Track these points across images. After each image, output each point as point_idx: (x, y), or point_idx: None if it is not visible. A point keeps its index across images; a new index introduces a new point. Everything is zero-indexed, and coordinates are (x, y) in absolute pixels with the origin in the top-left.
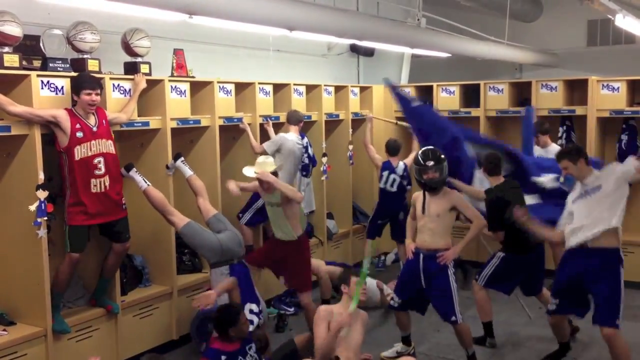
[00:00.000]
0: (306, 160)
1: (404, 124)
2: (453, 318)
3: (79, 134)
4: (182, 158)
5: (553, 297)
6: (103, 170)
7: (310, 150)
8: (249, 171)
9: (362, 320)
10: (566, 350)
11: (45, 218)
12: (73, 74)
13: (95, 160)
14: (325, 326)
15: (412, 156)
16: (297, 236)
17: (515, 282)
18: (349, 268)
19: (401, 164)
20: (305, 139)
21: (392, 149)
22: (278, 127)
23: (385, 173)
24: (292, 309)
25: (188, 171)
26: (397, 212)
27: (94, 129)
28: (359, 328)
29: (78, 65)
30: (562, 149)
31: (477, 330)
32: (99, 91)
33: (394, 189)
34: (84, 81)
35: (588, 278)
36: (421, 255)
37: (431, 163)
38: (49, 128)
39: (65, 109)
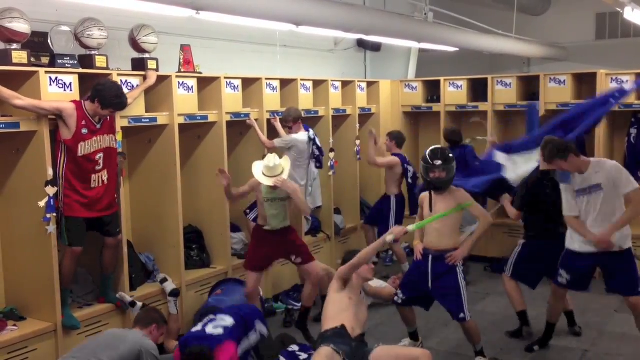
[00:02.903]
0: (316, 152)
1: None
2: (461, 315)
3: (84, 131)
4: (176, 299)
5: (565, 270)
6: (102, 165)
7: (317, 141)
8: (261, 176)
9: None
10: (552, 332)
11: (55, 214)
12: (81, 70)
13: (97, 157)
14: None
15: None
16: (289, 222)
17: (540, 271)
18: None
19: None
20: (311, 131)
21: (402, 141)
22: None
23: (406, 166)
24: (299, 304)
25: (174, 309)
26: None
27: (98, 126)
28: (365, 307)
29: (86, 61)
30: (550, 149)
31: (483, 324)
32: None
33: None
34: (116, 104)
35: (604, 269)
36: (430, 257)
37: (439, 162)
38: (56, 123)
39: (74, 101)
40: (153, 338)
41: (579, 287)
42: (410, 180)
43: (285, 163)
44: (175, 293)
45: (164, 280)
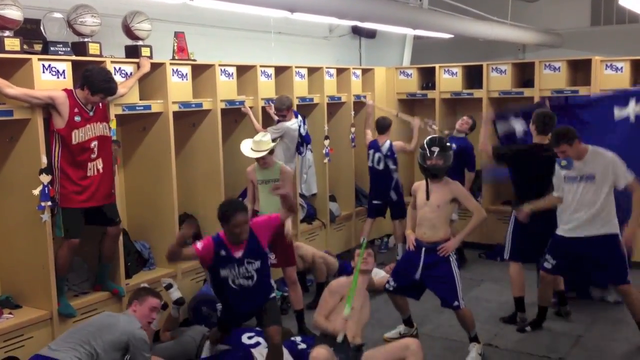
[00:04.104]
0: (299, 139)
1: (405, 116)
2: (455, 303)
3: (77, 118)
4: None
5: (552, 256)
6: (97, 153)
7: (302, 129)
8: (248, 151)
9: (368, 300)
10: (544, 315)
11: (49, 202)
12: (74, 57)
13: (92, 144)
14: (334, 302)
15: (412, 144)
16: None
17: (536, 245)
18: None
19: (387, 143)
20: (299, 118)
21: (380, 127)
22: None
23: (371, 151)
24: None
25: (176, 314)
26: (387, 192)
27: (90, 113)
28: (368, 307)
29: (79, 49)
30: (557, 133)
31: (477, 310)
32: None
33: (380, 167)
34: (105, 88)
35: (589, 256)
36: (423, 250)
37: (436, 149)
38: (48, 111)
39: (65, 89)
40: (139, 315)
41: (565, 273)
42: (371, 164)
43: (275, 143)
44: (180, 302)
45: (170, 286)
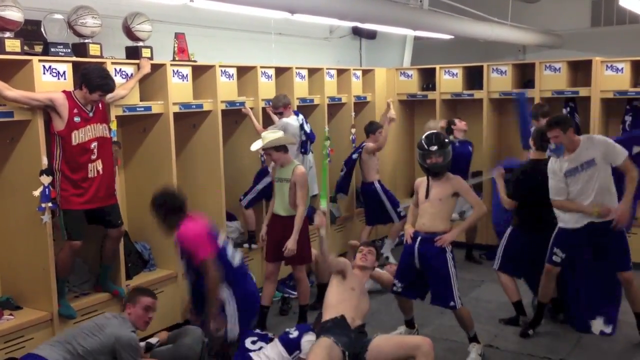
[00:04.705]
0: (303, 137)
1: (391, 108)
2: (452, 303)
3: (77, 119)
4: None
5: (561, 249)
6: (97, 154)
7: (306, 127)
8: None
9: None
10: (542, 312)
11: (50, 203)
12: (75, 59)
13: (92, 145)
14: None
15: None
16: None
17: (525, 262)
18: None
19: (362, 145)
20: (300, 116)
21: (365, 131)
22: None
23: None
24: (295, 293)
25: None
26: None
27: (90, 114)
28: (367, 297)
29: (80, 50)
30: (553, 118)
31: (478, 311)
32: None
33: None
34: (102, 84)
35: (596, 244)
36: (419, 238)
37: (435, 148)
38: (48, 113)
39: (64, 91)
40: (134, 317)
41: (571, 265)
42: (343, 164)
43: (278, 139)
44: (149, 347)
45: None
